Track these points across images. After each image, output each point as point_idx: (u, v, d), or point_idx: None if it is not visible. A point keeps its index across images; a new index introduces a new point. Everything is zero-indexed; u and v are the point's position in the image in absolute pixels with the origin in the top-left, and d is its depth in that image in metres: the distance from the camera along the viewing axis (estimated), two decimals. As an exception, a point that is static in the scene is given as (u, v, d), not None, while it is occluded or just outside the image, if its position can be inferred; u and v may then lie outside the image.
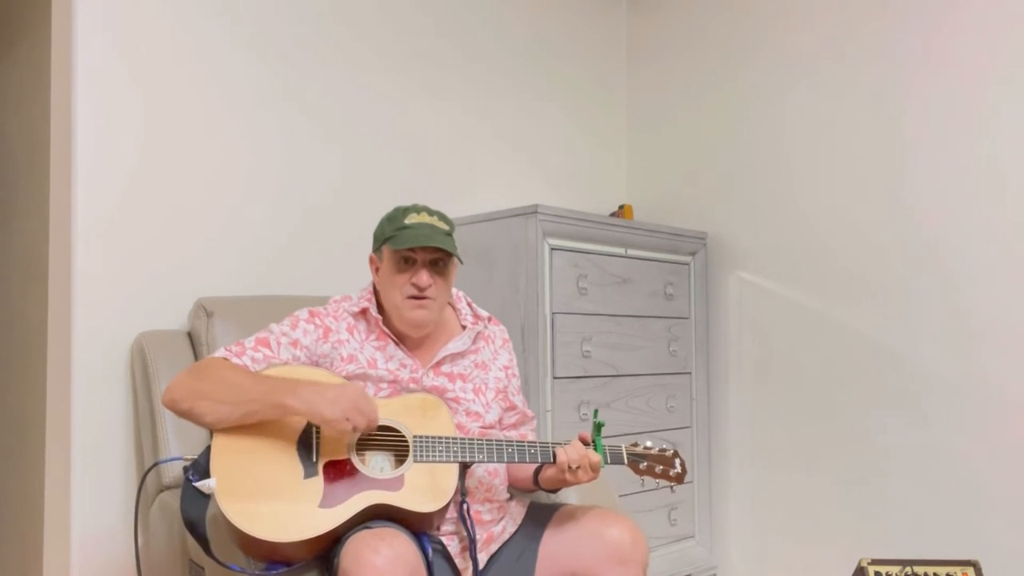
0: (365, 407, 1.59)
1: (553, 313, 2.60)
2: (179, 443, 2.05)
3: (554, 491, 1.84)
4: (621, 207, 3.30)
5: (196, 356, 2.16)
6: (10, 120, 2.92)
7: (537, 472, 1.76)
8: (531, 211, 2.57)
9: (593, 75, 3.46)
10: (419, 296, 1.74)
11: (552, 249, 2.61)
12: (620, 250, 2.83)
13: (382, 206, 2.70)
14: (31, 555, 2.55)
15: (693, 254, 3.12)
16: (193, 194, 2.35)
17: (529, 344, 2.56)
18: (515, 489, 1.89)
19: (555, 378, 2.60)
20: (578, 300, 2.68)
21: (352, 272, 2.59)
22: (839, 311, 2.88)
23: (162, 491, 2.08)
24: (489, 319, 1.94)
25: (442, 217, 1.80)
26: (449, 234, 1.78)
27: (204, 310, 2.17)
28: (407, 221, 1.75)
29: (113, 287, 2.19)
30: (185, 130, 2.34)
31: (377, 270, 1.82)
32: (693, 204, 3.30)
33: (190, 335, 2.21)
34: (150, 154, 2.27)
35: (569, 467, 1.66)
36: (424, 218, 1.76)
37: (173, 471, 2.05)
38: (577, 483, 1.70)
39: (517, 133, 3.18)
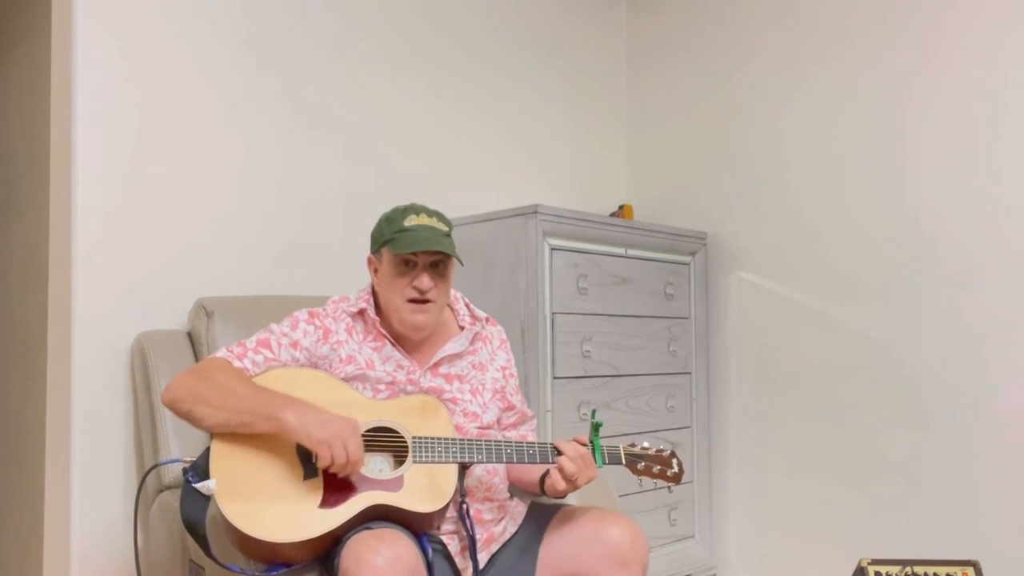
0: (351, 444, 1.56)
1: (553, 313, 2.60)
2: (179, 443, 2.05)
3: (559, 498, 1.83)
4: (621, 207, 3.30)
5: (196, 356, 2.16)
6: (10, 120, 2.92)
7: (542, 481, 1.75)
8: (531, 211, 2.57)
9: (593, 75, 3.46)
10: (420, 300, 1.74)
11: (552, 249, 2.61)
12: (620, 250, 2.83)
13: (382, 206, 2.70)
14: (31, 555, 2.55)
15: (693, 254, 3.12)
16: (193, 194, 2.35)
17: (529, 344, 2.56)
18: (520, 493, 1.89)
19: (555, 378, 2.60)
20: (578, 300, 2.68)
21: (352, 272, 2.59)
22: (839, 311, 2.88)
23: (162, 491, 2.07)
24: (487, 320, 1.94)
25: (440, 217, 1.79)
26: (448, 235, 1.77)
27: (204, 310, 2.17)
28: (406, 223, 1.74)
29: (113, 287, 2.19)
30: (185, 130, 2.34)
31: (376, 271, 1.81)
32: (693, 204, 3.30)
33: (190, 335, 2.21)
34: (150, 154, 2.27)
35: (569, 479, 1.66)
36: (423, 219, 1.75)
37: (174, 471, 2.05)
38: (576, 489, 1.70)
39: (517, 133, 3.18)
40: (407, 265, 1.74)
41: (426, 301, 1.74)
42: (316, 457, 1.56)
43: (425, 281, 1.73)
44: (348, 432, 1.56)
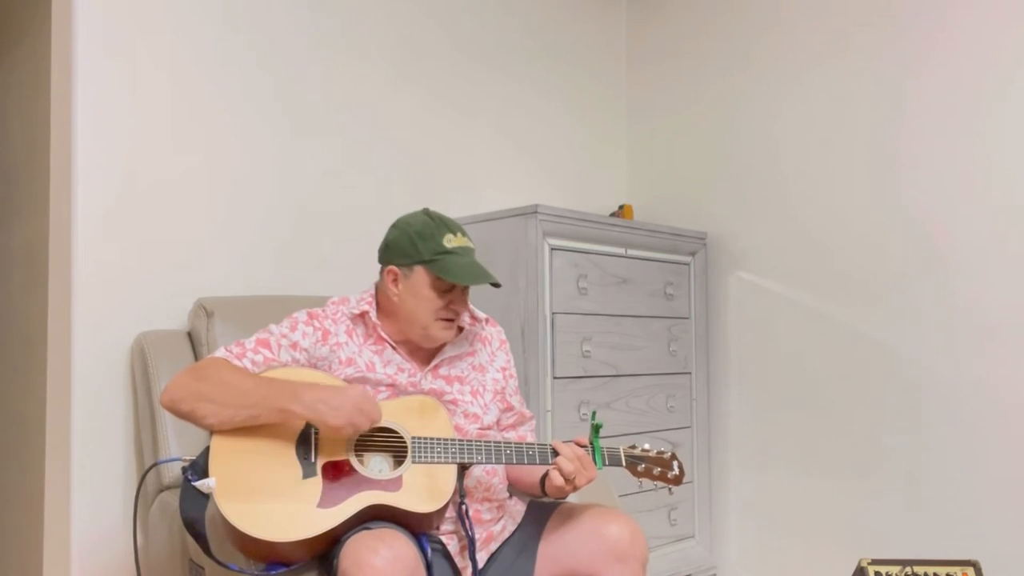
0: (367, 407, 1.59)
1: (553, 313, 2.60)
2: (179, 443, 2.05)
3: (560, 499, 1.83)
4: (621, 207, 3.30)
5: (196, 356, 2.16)
6: (10, 120, 2.92)
7: (543, 483, 1.75)
8: (531, 211, 2.57)
9: (593, 75, 3.46)
10: (453, 319, 1.77)
11: (552, 249, 2.61)
12: (620, 250, 2.83)
13: (382, 206, 2.72)
14: (31, 555, 2.55)
15: (693, 254, 3.12)
16: (193, 194, 2.35)
17: (529, 344, 2.56)
18: (520, 493, 1.89)
19: (555, 378, 2.60)
20: (578, 300, 2.68)
21: (352, 272, 2.59)
22: (839, 311, 2.88)
23: (162, 491, 2.08)
24: (487, 320, 1.94)
25: (465, 231, 1.80)
26: (474, 251, 1.81)
27: (204, 310, 2.17)
28: (447, 244, 1.74)
29: (113, 287, 2.20)
30: (185, 130, 2.34)
31: (395, 281, 1.77)
32: (693, 204, 3.30)
33: (190, 335, 2.21)
34: (150, 154, 2.27)
35: (567, 479, 1.66)
36: (461, 240, 1.76)
37: (173, 471, 2.06)
38: (576, 490, 1.70)
39: (517, 133, 3.18)
40: (448, 289, 1.75)
41: (458, 316, 1.79)
42: (316, 434, 1.60)
43: (462, 305, 1.78)
44: (361, 401, 1.59)
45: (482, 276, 1.72)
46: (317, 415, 1.56)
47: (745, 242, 3.14)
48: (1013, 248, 2.51)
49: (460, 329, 1.88)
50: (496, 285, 1.75)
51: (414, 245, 1.74)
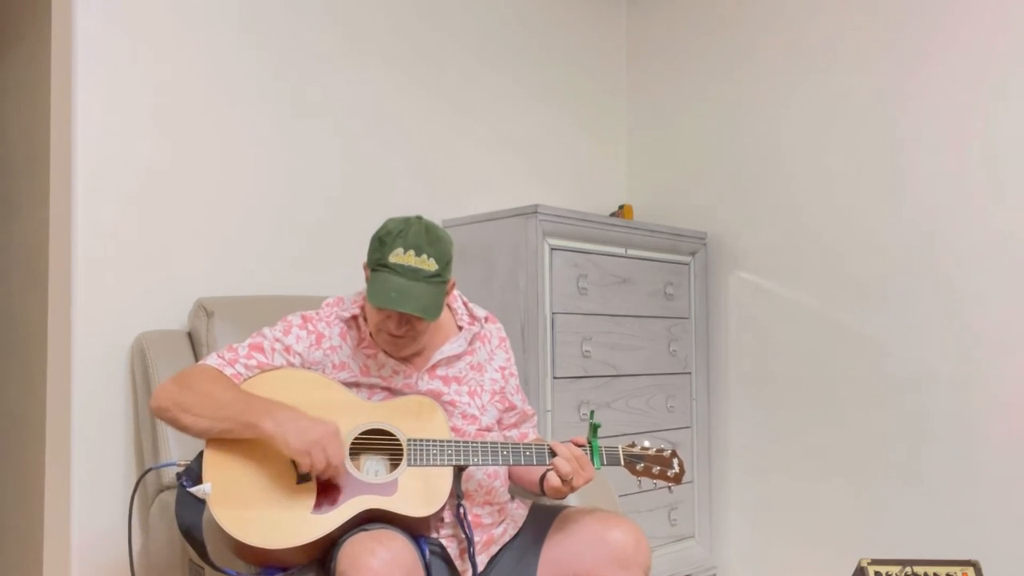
0: (330, 448, 1.54)
1: (553, 313, 2.60)
2: (178, 443, 2.05)
3: (559, 499, 1.83)
4: (621, 207, 3.29)
5: (196, 356, 2.16)
6: (10, 120, 2.92)
7: (542, 481, 1.74)
8: (531, 211, 2.57)
9: (593, 75, 3.45)
10: (396, 336, 1.70)
11: (552, 249, 2.61)
12: (620, 250, 2.83)
13: (382, 207, 2.72)
14: (31, 555, 2.55)
15: (693, 254, 3.12)
16: (193, 194, 2.35)
17: (529, 344, 2.56)
18: (520, 492, 1.89)
19: (555, 378, 2.60)
20: (578, 300, 2.68)
21: (352, 273, 2.59)
22: (839, 311, 2.87)
23: (162, 491, 2.08)
24: (486, 319, 1.92)
25: (433, 249, 1.64)
26: (435, 274, 1.63)
27: (204, 310, 2.17)
28: (391, 258, 1.63)
29: (113, 287, 2.20)
30: (185, 131, 2.34)
31: (367, 278, 1.75)
32: (693, 204, 3.30)
33: (190, 335, 2.21)
34: (150, 154, 2.27)
35: (565, 480, 1.65)
36: (410, 258, 1.62)
37: (172, 472, 2.06)
38: (574, 490, 1.69)
39: (517, 133, 3.18)
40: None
41: (401, 337, 1.70)
42: (297, 464, 1.56)
43: (395, 327, 1.68)
44: (327, 438, 1.55)
45: (393, 302, 1.59)
46: (281, 434, 1.54)
47: (745, 242, 3.14)
48: (1014, 249, 2.51)
49: (459, 329, 1.87)
50: (426, 318, 1.63)
51: (372, 247, 1.69)
